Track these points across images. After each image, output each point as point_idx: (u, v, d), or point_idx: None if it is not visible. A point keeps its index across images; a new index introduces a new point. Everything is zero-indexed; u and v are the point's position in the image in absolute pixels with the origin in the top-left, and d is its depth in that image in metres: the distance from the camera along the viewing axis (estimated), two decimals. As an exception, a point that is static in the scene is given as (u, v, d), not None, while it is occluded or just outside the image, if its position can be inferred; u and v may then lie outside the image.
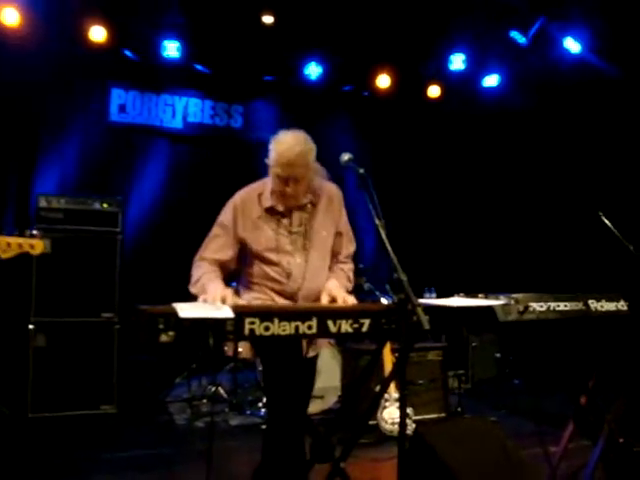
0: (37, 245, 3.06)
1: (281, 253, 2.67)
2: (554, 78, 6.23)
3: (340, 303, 2.51)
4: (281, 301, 2.69)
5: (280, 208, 2.70)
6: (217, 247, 2.70)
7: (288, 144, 2.58)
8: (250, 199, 2.71)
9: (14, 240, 3.00)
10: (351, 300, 2.56)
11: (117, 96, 6.30)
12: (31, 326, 4.75)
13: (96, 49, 5.78)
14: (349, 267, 2.88)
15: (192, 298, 2.55)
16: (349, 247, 2.89)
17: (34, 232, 3.12)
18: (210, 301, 2.33)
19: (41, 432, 4.49)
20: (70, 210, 4.92)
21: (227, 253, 2.69)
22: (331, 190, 2.84)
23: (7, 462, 3.88)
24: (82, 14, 5.65)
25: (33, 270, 4.78)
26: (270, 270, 2.68)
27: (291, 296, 2.70)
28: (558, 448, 3.58)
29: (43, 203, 4.88)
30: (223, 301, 2.30)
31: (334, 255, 2.85)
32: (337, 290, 2.60)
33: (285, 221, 2.70)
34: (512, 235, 6.73)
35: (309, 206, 2.75)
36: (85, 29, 5.67)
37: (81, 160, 5.98)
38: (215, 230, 2.74)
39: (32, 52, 5.48)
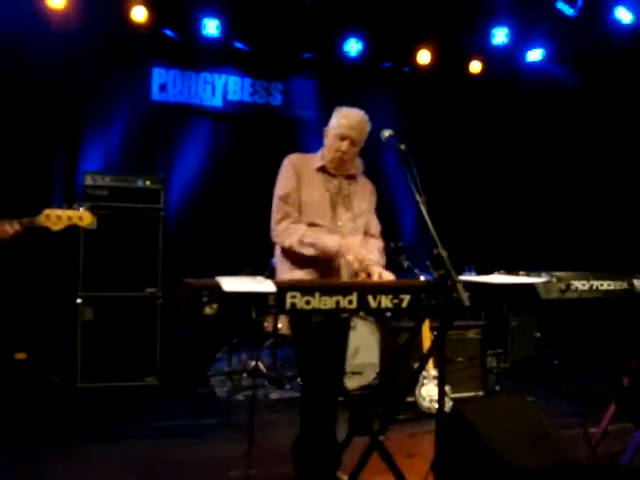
0: (85, 217, 3.17)
1: (332, 208, 2.84)
2: (603, 52, 5.96)
3: (375, 278, 2.56)
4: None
5: (331, 170, 2.88)
6: (292, 187, 2.83)
7: (353, 111, 2.87)
8: (300, 158, 2.94)
9: (63, 213, 3.12)
10: (386, 275, 2.60)
11: (158, 75, 6.38)
12: (79, 300, 4.92)
13: (137, 29, 5.84)
14: (380, 244, 3.03)
15: (232, 273, 2.61)
16: (378, 227, 3.08)
17: (81, 206, 3.22)
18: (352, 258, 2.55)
19: (89, 401, 4.67)
20: (114, 187, 5.05)
21: (296, 199, 2.84)
22: (365, 180, 3.07)
23: (57, 427, 4.07)
24: (124, -5, 5.72)
25: (81, 247, 4.94)
26: (318, 221, 2.81)
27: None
28: (598, 429, 3.55)
29: (89, 181, 5.01)
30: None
31: (366, 232, 3.00)
32: (373, 268, 2.66)
33: (335, 182, 2.89)
34: (556, 212, 6.59)
35: (351, 180, 2.95)
36: (127, 10, 5.74)
37: (124, 139, 6.10)
38: (280, 182, 2.88)
39: (76, 34, 5.58)
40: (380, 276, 2.60)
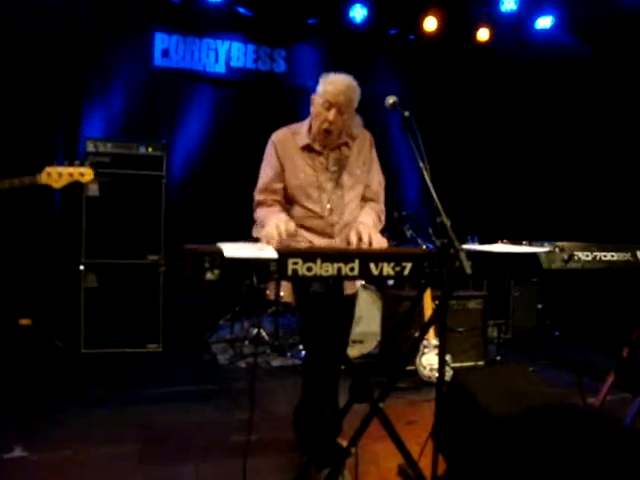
0: (86, 173, 3.16)
1: (319, 189, 2.76)
2: (614, 19, 5.82)
3: (365, 241, 2.52)
4: (316, 240, 2.76)
5: (316, 147, 2.77)
6: (266, 178, 2.80)
7: (340, 77, 2.71)
8: (285, 137, 2.82)
9: (65, 170, 3.12)
10: (377, 240, 2.56)
11: (160, 40, 6.28)
12: (82, 267, 4.93)
13: (139, -7, 5.75)
14: (378, 207, 2.93)
15: (234, 240, 2.61)
16: (377, 187, 2.95)
17: (82, 164, 3.22)
18: (267, 238, 2.42)
19: (92, 366, 4.72)
20: (116, 154, 5.02)
21: (277, 183, 2.79)
22: (364, 133, 2.92)
23: (61, 392, 4.12)
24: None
25: (83, 214, 4.94)
26: (307, 205, 2.76)
27: (328, 234, 2.78)
28: (597, 399, 3.58)
29: (91, 147, 4.99)
30: (279, 234, 2.42)
31: (363, 194, 2.91)
32: (364, 228, 2.62)
33: (321, 159, 2.79)
34: (561, 183, 6.54)
35: (344, 148, 2.83)
36: (128, -27, 5.64)
37: (126, 105, 6.03)
38: (262, 165, 2.85)
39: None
40: (370, 239, 2.54)
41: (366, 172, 2.88)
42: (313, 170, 2.76)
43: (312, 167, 2.77)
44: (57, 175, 3.10)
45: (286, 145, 2.79)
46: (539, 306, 6.10)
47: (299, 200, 2.78)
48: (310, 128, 2.78)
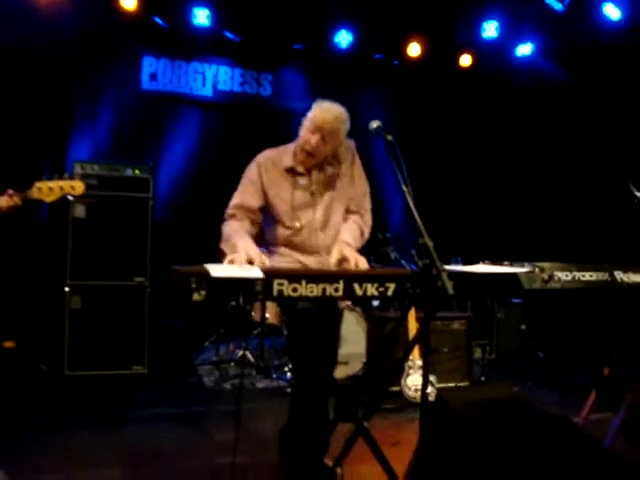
0: (77, 186, 3.15)
1: (301, 209, 2.80)
2: (592, 47, 6.01)
3: (352, 264, 2.56)
4: (303, 258, 2.80)
5: (300, 169, 2.82)
6: (245, 194, 2.82)
7: (332, 106, 2.76)
8: (270, 158, 2.86)
9: (55, 184, 3.10)
10: (362, 262, 2.60)
11: (148, 64, 6.36)
12: (67, 289, 4.92)
13: (127, 17, 5.81)
14: (361, 219, 2.94)
15: (220, 262, 2.63)
16: (361, 198, 2.96)
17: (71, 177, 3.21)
18: (237, 262, 2.39)
19: (76, 389, 4.68)
20: (103, 176, 5.05)
21: (255, 201, 2.81)
22: (351, 153, 2.94)
23: (45, 414, 4.08)
24: (113, -18, 5.69)
25: (69, 235, 4.93)
26: (291, 224, 2.80)
27: (314, 251, 2.82)
28: (579, 418, 3.62)
29: (78, 169, 5.01)
30: (250, 262, 2.38)
31: (347, 206, 2.94)
32: (349, 251, 2.66)
33: (304, 180, 2.83)
34: (540, 205, 6.66)
35: (328, 167, 2.86)
36: (116, -3, 5.71)
37: (114, 127, 6.08)
38: (242, 182, 2.87)
39: (65, 21, 5.53)
40: (356, 264, 2.59)
41: (349, 184, 2.92)
42: (296, 191, 2.81)
43: (296, 188, 2.81)
44: (48, 189, 3.09)
45: (270, 167, 2.83)
46: (523, 327, 6.15)
47: (283, 220, 2.81)
48: (295, 155, 2.83)
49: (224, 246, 2.70)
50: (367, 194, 3.00)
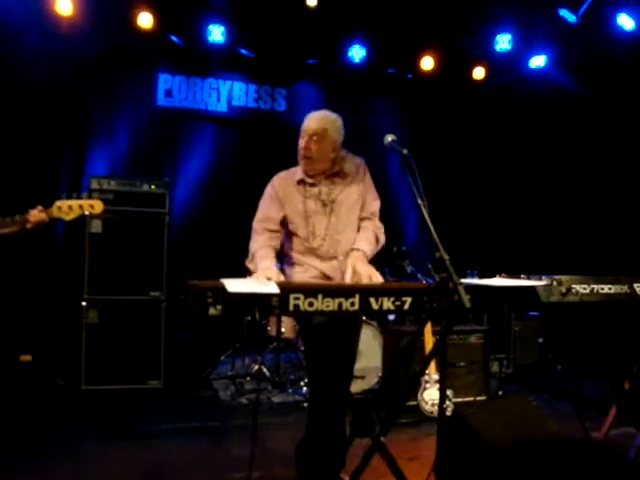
0: (96, 205, 3.21)
1: (314, 217, 2.86)
2: (606, 58, 5.98)
3: (365, 280, 2.57)
4: (320, 264, 2.84)
5: (309, 180, 2.90)
6: (265, 208, 2.92)
7: (318, 111, 2.95)
8: (284, 177, 2.97)
9: (75, 202, 3.16)
10: (376, 276, 2.63)
11: (164, 81, 6.44)
12: (84, 303, 4.96)
13: (143, 35, 5.90)
14: (375, 224, 2.99)
15: (236, 277, 2.67)
16: (373, 205, 3.01)
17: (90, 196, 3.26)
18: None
19: (93, 403, 4.70)
20: (120, 192, 5.10)
21: (275, 213, 2.90)
22: (356, 161, 3.02)
23: (61, 428, 4.10)
24: (130, 2, 5.78)
25: (86, 250, 4.98)
26: (306, 234, 2.86)
27: (331, 257, 2.86)
28: (600, 433, 3.56)
29: (95, 185, 5.06)
30: (268, 279, 2.40)
31: (360, 214, 2.99)
32: (362, 266, 2.69)
33: (314, 190, 2.90)
34: (557, 217, 6.61)
35: (336, 178, 2.93)
36: (133, 16, 5.79)
37: (130, 143, 6.15)
38: (262, 200, 2.97)
39: (83, 40, 5.62)
40: (369, 278, 2.62)
41: (361, 195, 2.97)
42: (308, 200, 2.88)
43: (307, 198, 2.88)
44: (67, 208, 3.14)
45: (285, 184, 2.93)
46: (540, 340, 6.08)
47: (298, 230, 2.88)
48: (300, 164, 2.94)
49: (249, 264, 2.81)
50: (378, 201, 3.04)
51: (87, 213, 3.23)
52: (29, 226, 3.07)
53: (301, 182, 2.91)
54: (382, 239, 2.98)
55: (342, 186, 2.92)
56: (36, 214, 3.06)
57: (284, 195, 2.90)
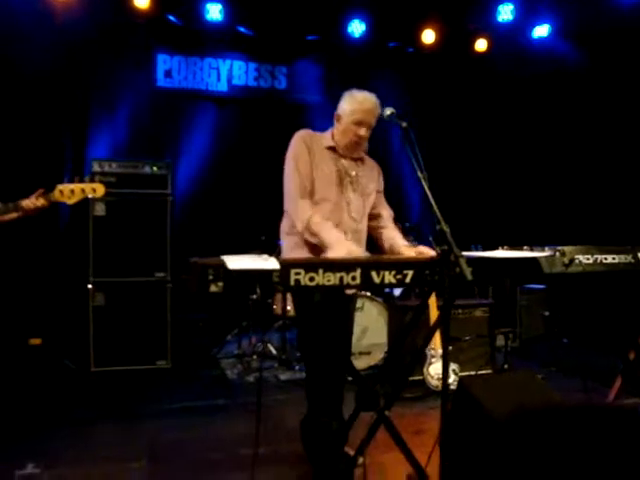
0: (98, 188, 3.21)
1: (343, 186, 2.87)
2: (611, 27, 5.86)
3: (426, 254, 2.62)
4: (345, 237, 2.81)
5: (340, 151, 2.89)
6: (306, 175, 2.82)
7: (366, 95, 2.85)
8: (312, 135, 2.92)
9: (77, 186, 3.16)
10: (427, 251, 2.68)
11: (162, 61, 6.40)
12: (90, 286, 4.98)
13: (141, 16, 5.85)
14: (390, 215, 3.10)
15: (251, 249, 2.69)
16: (390, 212, 3.12)
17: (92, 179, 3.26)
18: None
19: (102, 384, 4.75)
20: (122, 174, 5.08)
21: (311, 181, 2.84)
22: (373, 161, 3.09)
23: (72, 410, 4.15)
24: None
25: (90, 233, 4.99)
26: (328, 198, 2.83)
27: (353, 230, 2.88)
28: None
29: (96, 168, 5.05)
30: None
31: (379, 215, 3.05)
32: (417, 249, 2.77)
33: (343, 161, 2.91)
34: (559, 188, 6.55)
35: (359, 162, 2.97)
36: (129, -4, 5.74)
37: (131, 125, 6.13)
38: (294, 166, 2.84)
39: (81, 22, 5.58)
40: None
41: (376, 191, 3.03)
42: (336, 169, 2.88)
43: (336, 166, 2.88)
44: (69, 192, 3.14)
45: (312, 140, 2.89)
46: (546, 313, 6.07)
47: (320, 192, 2.83)
48: (334, 138, 2.90)
49: (310, 237, 2.73)
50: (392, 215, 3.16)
51: (90, 196, 3.23)
52: (30, 212, 3.07)
53: (332, 149, 2.89)
54: None
55: (365, 170, 2.98)
56: (34, 200, 3.06)
57: (313, 152, 2.85)
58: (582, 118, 6.30)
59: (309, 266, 2.10)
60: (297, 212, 2.76)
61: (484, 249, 4.82)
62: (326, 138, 2.91)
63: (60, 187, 3.13)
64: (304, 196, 2.78)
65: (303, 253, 2.79)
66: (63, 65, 5.64)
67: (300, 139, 2.87)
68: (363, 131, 2.82)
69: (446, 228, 2.18)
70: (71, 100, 5.81)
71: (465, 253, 2.29)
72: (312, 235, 2.70)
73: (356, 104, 2.82)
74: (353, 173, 2.91)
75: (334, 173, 2.85)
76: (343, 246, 2.55)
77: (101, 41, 5.83)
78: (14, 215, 3.09)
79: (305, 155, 2.82)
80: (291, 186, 2.81)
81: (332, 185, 2.84)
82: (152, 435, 3.71)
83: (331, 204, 2.83)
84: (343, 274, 2.14)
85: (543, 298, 6.13)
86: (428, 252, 2.62)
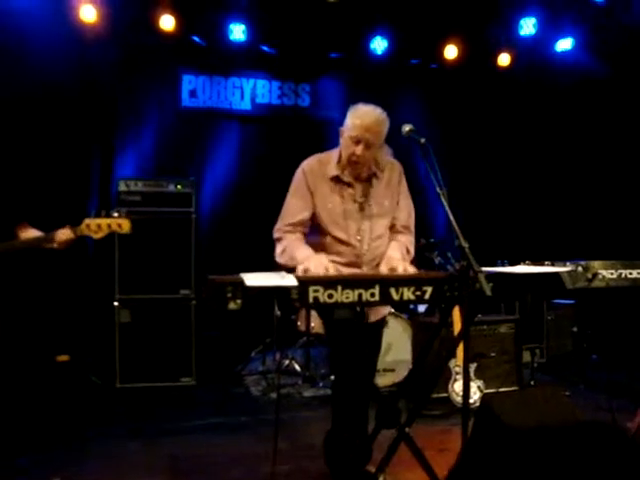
0: (124, 224, 3.26)
1: (348, 219, 2.78)
2: (635, 38, 5.81)
3: (400, 271, 2.54)
4: (343, 270, 2.76)
5: (345, 178, 2.79)
6: (296, 210, 2.81)
7: (368, 110, 2.72)
8: (315, 166, 2.84)
9: (103, 221, 3.22)
10: (412, 270, 2.58)
11: (187, 82, 6.50)
12: (116, 303, 5.05)
13: (166, 37, 5.96)
14: (407, 238, 2.93)
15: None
16: (407, 219, 2.95)
17: (118, 212, 3.31)
18: (313, 270, 2.44)
19: (127, 400, 4.80)
20: (147, 193, 5.18)
21: (306, 213, 2.80)
22: (393, 164, 2.94)
23: (98, 426, 4.20)
24: (152, 4, 5.85)
25: (116, 251, 5.08)
26: (336, 234, 2.78)
27: (355, 264, 2.79)
28: (633, 423, 3.48)
29: (123, 187, 5.15)
30: (327, 270, 2.43)
31: (392, 225, 2.92)
32: (397, 261, 2.65)
33: (350, 190, 2.81)
34: (584, 203, 6.46)
35: (373, 179, 2.84)
36: (155, 19, 5.86)
37: (156, 145, 6.22)
38: (290, 196, 2.86)
39: (108, 44, 5.73)
40: (405, 271, 2.59)
41: (395, 203, 2.90)
42: (342, 200, 2.78)
43: (340, 197, 2.79)
44: (96, 227, 3.20)
45: (316, 174, 2.81)
46: (574, 329, 5.95)
47: (329, 230, 2.79)
48: (340, 159, 2.80)
49: (281, 259, 2.75)
50: (412, 214, 2.98)
51: (120, 233, 3.28)
52: (56, 245, 3.15)
53: (336, 179, 2.79)
54: (412, 252, 2.92)
55: (377, 189, 2.83)
56: (65, 232, 3.14)
57: (315, 188, 2.78)
58: (606, 131, 6.23)
59: (328, 283, 2.11)
60: (277, 245, 2.81)
61: (511, 264, 4.78)
62: (332, 164, 2.80)
63: (87, 221, 3.20)
64: (284, 228, 2.80)
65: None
66: (90, 86, 5.77)
67: (302, 176, 2.82)
68: (359, 149, 2.66)
69: (465, 244, 2.18)
70: (98, 120, 5.93)
71: (487, 269, 2.27)
72: (287, 258, 2.69)
73: (355, 119, 2.68)
74: (362, 199, 2.79)
75: (339, 207, 2.77)
76: (313, 259, 2.53)
77: (127, 62, 5.96)
78: (49, 246, 3.17)
79: (300, 195, 2.80)
80: (281, 215, 2.86)
81: (337, 220, 2.77)
82: (175, 451, 3.73)
83: (337, 239, 2.78)
84: (362, 291, 2.14)
85: (571, 313, 6.01)
86: (399, 269, 2.58)
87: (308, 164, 2.86)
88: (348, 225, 2.77)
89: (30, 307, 4.89)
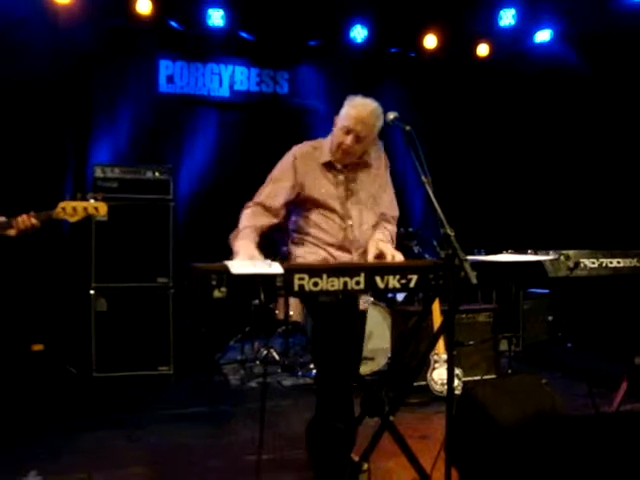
0: (101, 208, 3.17)
1: (340, 203, 2.79)
2: (613, 31, 5.86)
3: (389, 258, 2.55)
4: (335, 253, 2.78)
5: (337, 166, 2.81)
6: (271, 192, 2.79)
7: (364, 102, 2.73)
8: (307, 151, 2.85)
9: (79, 204, 3.13)
10: (399, 256, 2.59)
11: (165, 67, 6.40)
12: (92, 291, 4.96)
13: (143, 22, 5.86)
14: (392, 228, 2.96)
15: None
16: (393, 210, 3.00)
17: (94, 198, 3.22)
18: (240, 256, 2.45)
19: (104, 390, 4.73)
20: (124, 179, 5.07)
21: (279, 200, 2.78)
22: (380, 157, 2.97)
23: (74, 416, 4.13)
24: (128, -13, 5.74)
25: (92, 239, 4.97)
26: (329, 219, 2.79)
27: (346, 248, 2.80)
28: (611, 409, 3.55)
29: (99, 173, 5.04)
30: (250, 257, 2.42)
31: (382, 214, 2.94)
32: (385, 245, 2.66)
33: (341, 176, 2.82)
34: (563, 192, 6.54)
35: (363, 169, 2.87)
36: (131, 2, 5.74)
37: (133, 131, 6.13)
38: (272, 176, 2.84)
39: (83, 28, 5.60)
40: (393, 257, 2.61)
41: (382, 194, 2.93)
42: (334, 186, 2.80)
43: (333, 183, 2.81)
44: (72, 210, 3.10)
45: (307, 160, 2.81)
46: (550, 318, 6.06)
47: (322, 211, 2.80)
48: (331, 147, 2.82)
49: (232, 237, 2.72)
50: (394, 201, 3.02)
51: (96, 216, 3.19)
52: (12, 233, 2.98)
53: (328, 165, 2.80)
54: (394, 242, 2.94)
55: (364, 176, 2.86)
56: (23, 220, 2.98)
57: (307, 172, 2.78)
58: (585, 122, 6.30)
59: (313, 271, 2.10)
60: (242, 216, 2.78)
61: (487, 253, 4.81)
62: (324, 151, 2.82)
63: (62, 204, 3.09)
64: (254, 206, 2.77)
65: (305, 249, 2.80)
66: (65, 70, 5.64)
67: (293, 160, 2.80)
68: (349, 140, 2.69)
69: (450, 232, 2.17)
70: (73, 105, 5.81)
71: (470, 257, 2.28)
72: (235, 233, 2.69)
73: (350, 109, 2.70)
74: (352, 185, 2.82)
75: (332, 192, 2.79)
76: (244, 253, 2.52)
77: (103, 46, 5.84)
78: (7, 233, 3.02)
79: (285, 175, 2.78)
80: (258, 192, 2.82)
81: (330, 203, 2.78)
82: (154, 441, 3.70)
83: (331, 221, 2.78)
84: (347, 279, 2.13)
85: (547, 303, 6.12)
86: (387, 254, 2.61)
87: (300, 149, 2.86)
88: (341, 209, 2.79)
89: (4, 295, 4.78)
